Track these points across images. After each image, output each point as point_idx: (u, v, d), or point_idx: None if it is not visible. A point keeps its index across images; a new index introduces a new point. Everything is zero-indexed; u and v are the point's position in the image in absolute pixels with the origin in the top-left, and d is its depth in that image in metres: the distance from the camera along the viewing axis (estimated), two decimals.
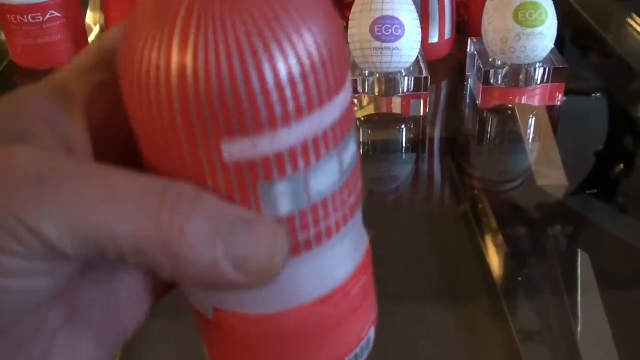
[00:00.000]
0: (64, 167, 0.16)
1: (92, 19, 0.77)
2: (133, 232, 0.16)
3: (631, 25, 0.72)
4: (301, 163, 0.17)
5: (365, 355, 0.23)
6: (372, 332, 0.23)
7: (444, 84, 0.65)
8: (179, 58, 0.16)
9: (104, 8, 0.66)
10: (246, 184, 0.17)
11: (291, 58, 0.16)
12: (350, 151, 0.19)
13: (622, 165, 0.57)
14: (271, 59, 0.16)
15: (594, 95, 0.67)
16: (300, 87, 0.16)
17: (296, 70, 0.16)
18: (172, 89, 0.16)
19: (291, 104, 0.16)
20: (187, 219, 0.16)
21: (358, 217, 0.21)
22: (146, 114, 0.17)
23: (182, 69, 0.16)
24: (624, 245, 0.49)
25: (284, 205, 0.18)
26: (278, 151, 0.17)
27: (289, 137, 0.17)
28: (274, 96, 0.16)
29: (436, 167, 0.58)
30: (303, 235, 0.19)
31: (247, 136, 0.16)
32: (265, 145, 0.17)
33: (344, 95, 0.18)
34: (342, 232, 0.20)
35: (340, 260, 0.20)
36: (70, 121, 0.18)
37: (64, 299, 0.19)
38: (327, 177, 0.18)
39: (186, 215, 0.16)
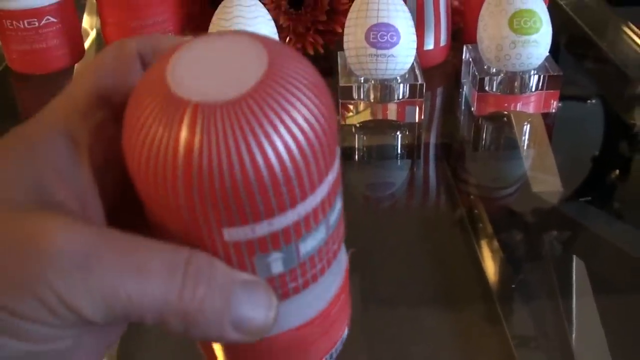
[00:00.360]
0: (99, 247, 0.17)
1: (88, 23, 0.77)
2: (159, 305, 0.17)
3: (625, 33, 0.72)
4: (293, 237, 0.19)
5: (339, 348, 0.25)
6: (346, 330, 0.25)
7: (439, 90, 0.66)
8: (185, 158, 0.17)
9: (99, 12, 0.66)
10: (243, 257, 0.19)
11: (285, 158, 0.18)
12: (336, 210, 0.21)
13: (617, 171, 0.58)
14: (267, 160, 0.17)
15: (589, 101, 0.68)
16: (294, 182, 0.18)
17: (290, 167, 0.18)
18: (178, 185, 0.18)
19: (286, 197, 0.18)
20: (205, 293, 0.18)
21: (341, 252, 0.23)
22: (152, 196, 0.19)
23: (188, 167, 0.17)
24: (618, 252, 0.49)
25: (276, 268, 0.20)
26: (274, 232, 0.19)
27: (284, 220, 0.19)
28: (271, 192, 0.18)
29: (431, 173, 0.58)
30: (292, 284, 0.21)
31: (247, 224, 0.18)
32: (263, 229, 0.19)
33: (333, 174, 0.20)
34: (326, 273, 0.22)
35: (323, 291, 0.23)
36: (80, 172, 0.19)
37: None
38: (315, 240, 0.20)
39: (204, 289, 0.18)
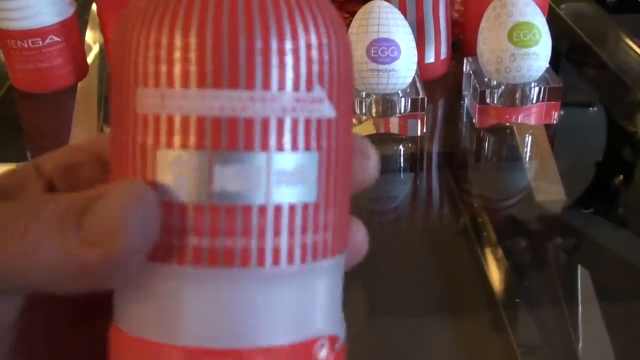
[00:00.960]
0: None
1: (91, 38, 0.78)
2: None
3: (624, 41, 0.72)
4: (256, 140, 0.16)
5: None
6: None
7: (440, 103, 0.66)
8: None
9: (102, 29, 0.66)
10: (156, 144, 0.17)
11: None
12: (341, 173, 0.18)
13: (619, 179, 0.58)
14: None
15: (590, 109, 0.68)
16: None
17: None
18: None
19: (259, 64, 0.16)
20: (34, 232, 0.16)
21: (333, 274, 0.18)
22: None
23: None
24: (622, 259, 0.49)
25: (214, 186, 0.16)
26: (220, 114, 0.16)
27: (238, 99, 0.16)
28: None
29: (434, 185, 0.58)
30: (227, 241, 0.16)
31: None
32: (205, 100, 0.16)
33: (337, 94, 0.18)
34: (302, 273, 0.17)
35: (281, 306, 0.17)
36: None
37: None
38: (294, 179, 0.17)
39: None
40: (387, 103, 0.56)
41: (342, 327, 0.19)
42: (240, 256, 0.16)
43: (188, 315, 0.16)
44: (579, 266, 0.48)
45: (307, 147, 0.17)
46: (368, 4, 0.55)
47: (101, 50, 0.75)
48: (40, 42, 0.62)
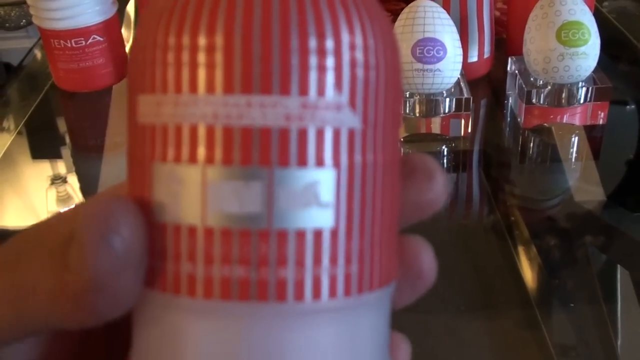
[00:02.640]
0: None
1: (125, 37, 0.78)
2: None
3: None
4: (272, 154, 0.14)
5: None
6: None
7: (482, 102, 0.65)
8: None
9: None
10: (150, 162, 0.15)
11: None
12: (358, 189, 0.15)
13: None
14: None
15: (628, 107, 0.67)
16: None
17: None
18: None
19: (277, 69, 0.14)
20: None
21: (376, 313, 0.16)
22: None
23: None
24: None
25: (228, 206, 0.14)
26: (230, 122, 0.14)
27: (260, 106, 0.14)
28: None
29: (475, 186, 0.57)
30: (253, 274, 0.14)
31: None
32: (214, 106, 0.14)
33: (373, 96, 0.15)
34: (333, 309, 0.14)
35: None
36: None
37: None
38: (308, 195, 0.14)
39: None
40: (431, 103, 0.56)
41: None
42: (256, 289, 0.14)
43: (193, 352, 0.14)
44: (618, 266, 0.48)
45: (320, 163, 0.14)
46: (413, 4, 0.55)
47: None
48: (84, 42, 0.62)
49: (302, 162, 0.14)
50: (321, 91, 0.14)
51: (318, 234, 0.14)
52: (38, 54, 0.78)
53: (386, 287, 0.15)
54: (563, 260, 0.50)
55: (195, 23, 0.14)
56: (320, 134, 0.14)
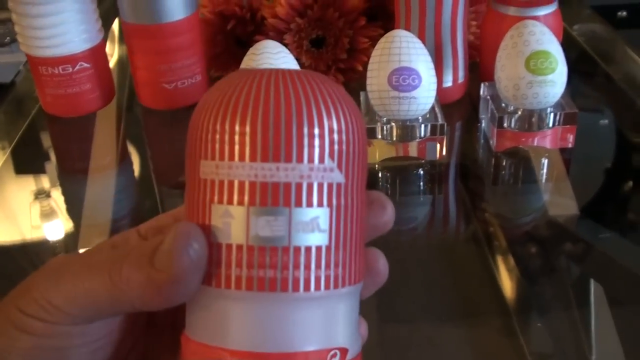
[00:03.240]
0: (66, 264, 0.24)
1: (110, 49, 0.79)
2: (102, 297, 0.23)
3: (633, 58, 0.74)
4: (290, 197, 0.22)
5: None
6: None
7: (458, 125, 0.68)
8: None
9: (130, 58, 0.68)
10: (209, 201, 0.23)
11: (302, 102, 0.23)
12: (342, 217, 0.23)
13: (630, 190, 0.60)
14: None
15: (601, 122, 0.70)
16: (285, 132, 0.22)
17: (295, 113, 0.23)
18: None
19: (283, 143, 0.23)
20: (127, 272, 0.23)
21: (351, 298, 0.24)
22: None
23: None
24: (633, 271, 0.50)
25: (262, 230, 0.22)
26: (259, 181, 0.22)
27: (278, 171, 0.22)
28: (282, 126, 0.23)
29: (452, 207, 0.60)
30: (268, 272, 0.22)
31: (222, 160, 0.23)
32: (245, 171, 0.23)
33: (335, 168, 0.23)
34: (326, 297, 0.23)
35: (312, 323, 0.23)
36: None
37: None
38: (312, 225, 0.22)
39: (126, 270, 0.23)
40: (407, 129, 0.58)
41: (356, 342, 0.24)
42: (280, 284, 0.22)
43: (237, 326, 0.23)
44: (591, 276, 0.49)
45: (320, 204, 0.22)
46: (389, 33, 0.57)
47: (121, 72, 0.77)
48: (71, 69, 0.64)
49: (310, 204, 0.22)
50: (321, 160, 0.22)
51: (319, 249, 0.23)
52: (27, 74, 0.79)
53: (358, 284, 0.24)
54: (539, 271, 0.52)
55: (234, 116, 0.22)
56: (320, 186, 0.22)
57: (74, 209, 0.59)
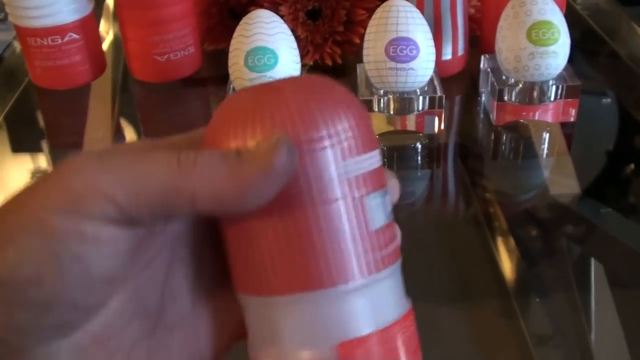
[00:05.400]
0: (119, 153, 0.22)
1: (105, 34, 0.78)
2: (164, 185, 0.20)
3: (637, 32, 0.72)
4: (366, 185, 0.23)
5: None
6: None
7: (457, 99, 0.66)
8: None
9: (121, 30, 0.67)
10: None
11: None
12: (388, 201, 0.24)
13: (632, 170, 0.58)
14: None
15: (604, 100, 0.68)
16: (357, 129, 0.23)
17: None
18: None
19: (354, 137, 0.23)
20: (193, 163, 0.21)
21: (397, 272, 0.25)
22: None
23: None
24: (635, 250, 0.49)
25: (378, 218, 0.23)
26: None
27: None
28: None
29: (450, 182, 0.58)
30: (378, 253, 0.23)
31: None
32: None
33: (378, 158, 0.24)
34: (388, 270, 0.24)
35: (381, 298, 0.24)
36: None
37: (150, 314, 0.23)
38: (380, 208, 0.23)
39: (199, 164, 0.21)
40: (404, 101, 0.56)
41: (407, 301, 0.25)
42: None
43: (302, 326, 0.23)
44: (592, 256, 0.49)
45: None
46: (386, 3, 0.55)
47: (116, 47, 0.75)
48: (60, 40, 0.63)
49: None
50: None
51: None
52: (17, 47, 0.78)
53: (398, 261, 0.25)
54: (539, 251, 0.51)
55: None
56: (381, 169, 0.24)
57: None
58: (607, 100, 0.68)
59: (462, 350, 0.42)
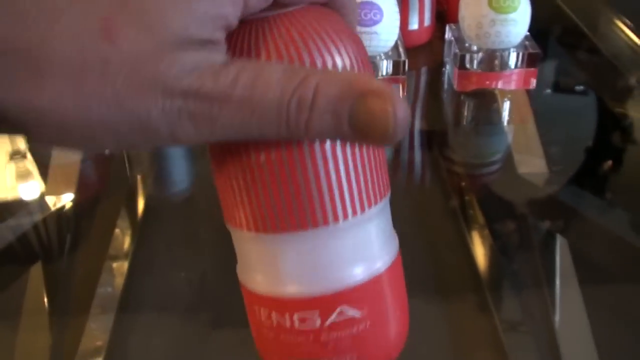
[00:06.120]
0: None
1: None
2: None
3: (616, 24, 0.73)
4: None
5: None
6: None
7: (423, 70, 0.67)
8: None
9: None
10: None
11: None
12: None
13: (605, 160, 0.58)
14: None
15: (577, 88, 0.69)
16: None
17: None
18: None
19: None
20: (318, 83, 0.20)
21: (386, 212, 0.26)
22: None
23: None
24: (603, 233, 0.49)
25: None
26: None
27: None
28: None
29: (416, 149, 0.59)
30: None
31: None
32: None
33: None
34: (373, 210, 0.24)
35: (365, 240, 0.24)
36: None
37: None
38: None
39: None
40: None
41: (395, 241, 0.26)
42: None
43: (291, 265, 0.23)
44: (559, 241, 0.49)
45: None
46: None
47: None
48: None
49: None
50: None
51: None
52: None
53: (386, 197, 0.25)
54: (507, 231, 0.51)
55: None
56: None
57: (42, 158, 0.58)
58: (580, 88, 0.69)
59: (430, 332, 0.42)
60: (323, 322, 0.23)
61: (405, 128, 0.20)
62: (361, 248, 0.24)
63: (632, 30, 0.69)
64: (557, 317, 0.42)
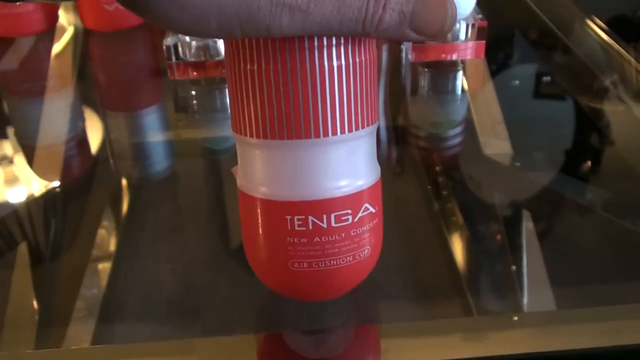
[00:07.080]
0: None
1: (65, 19, 0.82)
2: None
3: (589, 26, 0.75)
4: None
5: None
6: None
7: (384, 47, 0.71)
8: None
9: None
10: None
11: None
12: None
13: (583, 159, 0.57)
14: None
15: (544, 78, 0.72)
16: None
17: None
18: None
19: None
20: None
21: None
22: None
23: None
24: (569, 206, 0.50)
25: None
26: None
27: None
28: None
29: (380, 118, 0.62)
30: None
31: None
32: None
33: None
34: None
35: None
36: None
37: None
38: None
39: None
40: None
41: (377, 170, 0.32)
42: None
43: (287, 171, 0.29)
44: (524, 217, 0.49)
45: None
46: None
47: (75, 30, 0.78)
48: None
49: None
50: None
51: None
52: None
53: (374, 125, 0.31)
54: (472, 209, 0.50)
55: None
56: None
57: (29, 131, 0.60)
58: (547, 79, 0.72)
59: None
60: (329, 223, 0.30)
61: (453, 25, 0.27)
62: (348, 164, 0.29)
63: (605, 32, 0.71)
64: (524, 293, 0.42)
